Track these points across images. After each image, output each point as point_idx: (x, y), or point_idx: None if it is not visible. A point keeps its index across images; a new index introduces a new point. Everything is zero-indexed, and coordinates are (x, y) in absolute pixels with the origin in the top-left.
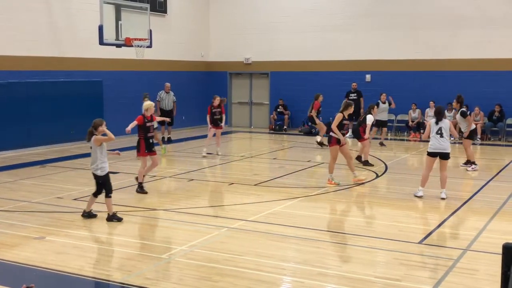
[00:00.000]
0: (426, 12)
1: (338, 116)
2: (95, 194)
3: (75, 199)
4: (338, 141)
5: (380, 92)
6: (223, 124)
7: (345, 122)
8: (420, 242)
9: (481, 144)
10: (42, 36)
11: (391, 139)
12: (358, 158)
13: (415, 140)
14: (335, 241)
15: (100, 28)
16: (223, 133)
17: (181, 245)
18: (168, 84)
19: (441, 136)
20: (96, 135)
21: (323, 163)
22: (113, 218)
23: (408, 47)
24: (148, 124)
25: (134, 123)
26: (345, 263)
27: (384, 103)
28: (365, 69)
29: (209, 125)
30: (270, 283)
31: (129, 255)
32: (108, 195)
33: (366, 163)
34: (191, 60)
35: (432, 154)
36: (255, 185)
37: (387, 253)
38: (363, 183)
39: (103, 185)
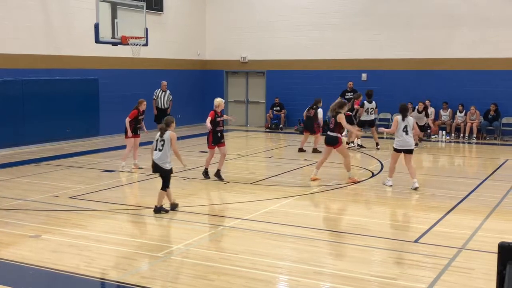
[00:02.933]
0: (422, 11)
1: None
2: (164, 188)
3: (70, 197)
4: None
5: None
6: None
7: None
8: (415, 241)
9: (476, 143)
10: (38, 33)
11: (386, 138)
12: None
13: None
14: (331, 240)
15: (96, 26)
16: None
17: (177, 243)
18: (164, 82)
19: (407, 133)
20: (169, 130)
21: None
22: (161, 210)
23: (404, 46)
24: (218, 119)
25: (209, 118)
26: (341, 261)
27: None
28: (361, 68)
29: (130, 134)
30: (266, 282)
31: (125, 254)
32: (165, 189)
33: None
34: (187, 58)
35: (398, 150)
36: (251, 183)
37: (383, 252)
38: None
39: (165, 178)
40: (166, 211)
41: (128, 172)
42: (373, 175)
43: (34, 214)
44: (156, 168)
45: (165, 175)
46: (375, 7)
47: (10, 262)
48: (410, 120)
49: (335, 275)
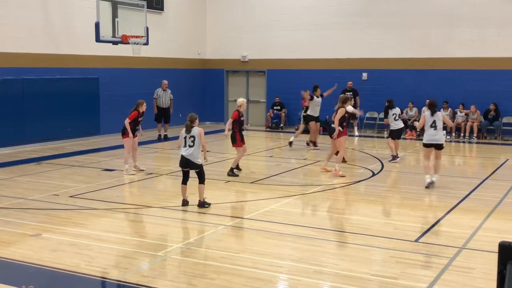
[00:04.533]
0: (422, 11)
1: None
2: (185, 182)
3: (71, 196)
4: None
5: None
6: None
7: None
8: (416, 241)
9: (477, 143)
10: (38, 32)
11: (387, 137)
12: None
13: (411, 139)
14: (331, 239)
15: (97, 25)
16: (220, 131)
17: (177, 242)
18: (165, 82)
19: (435, 128)
20: (194, 126)
21: (319, 161)
22: (204, 204)
23: (405, 46)
24: (242, 119)
25: (230, 120)
26: (342, 261)
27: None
28: (362, 67)
29: (130, 134)
30: (266, 281)
31: (125, 253)
32: (203, 182)
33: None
34: (188, 57)
35: (427, 145)
36: (251, 183)
37: (383, 251)
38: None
39: (200, 172)
40: (209, 205)
41: (133, 175)
42: (373, 174)
43: (34, 213)
44: (188, 164)
45: (200, 170)
46: (375, 6)
47: (11, 260)
48: (439, 115)
49: (335, 275)
